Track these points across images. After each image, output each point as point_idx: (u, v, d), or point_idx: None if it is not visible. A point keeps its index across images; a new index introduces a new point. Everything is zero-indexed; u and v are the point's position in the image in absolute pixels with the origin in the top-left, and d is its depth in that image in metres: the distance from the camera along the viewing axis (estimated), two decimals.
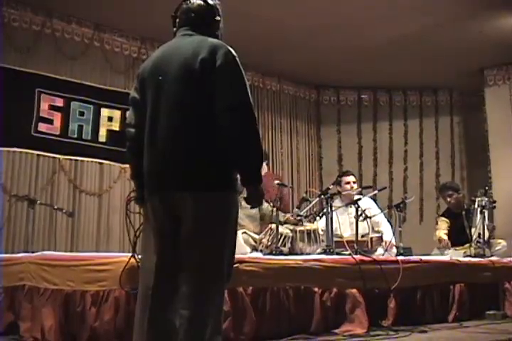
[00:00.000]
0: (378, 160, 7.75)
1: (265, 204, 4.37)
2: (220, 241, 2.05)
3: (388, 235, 4.62)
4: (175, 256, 2.08)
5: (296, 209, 4.09)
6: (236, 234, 2.15)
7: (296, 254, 3.78)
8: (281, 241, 3.82)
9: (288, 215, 4.26)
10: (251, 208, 2.21)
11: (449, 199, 5.30)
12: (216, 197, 2.04)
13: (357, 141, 7.77)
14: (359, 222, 4.04)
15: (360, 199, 4.31)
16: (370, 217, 4.23)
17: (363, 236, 4.32)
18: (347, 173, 4.93)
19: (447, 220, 5.19)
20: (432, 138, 7.87)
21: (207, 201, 2.04)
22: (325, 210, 3.91)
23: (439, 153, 7.81)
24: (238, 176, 2.10)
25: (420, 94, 7.95)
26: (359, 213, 4.05)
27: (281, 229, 3.90)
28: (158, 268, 2.11)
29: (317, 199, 4.09)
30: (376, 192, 4.48)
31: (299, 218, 3.99)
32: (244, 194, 2.12)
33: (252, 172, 2.04)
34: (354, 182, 4.85)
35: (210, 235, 2.03)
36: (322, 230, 4.06)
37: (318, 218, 4.04)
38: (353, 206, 4.12)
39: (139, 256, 2.48)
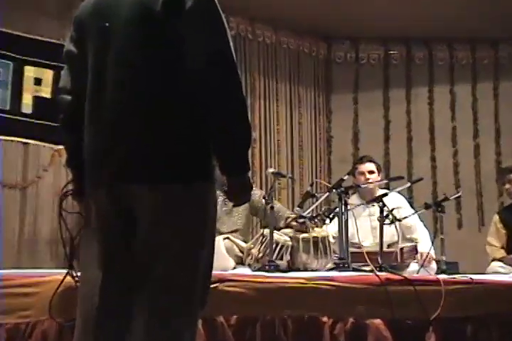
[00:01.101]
0: (414, 141, 7.61)
1: (256, 193, 4.39)
2: (191, 248, 2.04)
3: (425, 245, 4.63)
4: (127, 272, 2.07)
5: (298, 209, 4.12)
6: (214, 239, 2.15)
7: (298, 270, 3.83)
8: (277, 252, 3.87)
9: (291, 215, 4.34)
10: (234, 206, 2.19)
11: (508, 186, 5.39)
12: (186, 190, 2.05)
13: (382, 114, 7.61)
14: (384, 227, 4.07)
15: (386, 194, 4.31)
16: (399, 220, 4.22)
17: (389, 245, 4.47)
18: (362, 160, 5.00)
19: (502, 219, 5.30)
20: (489, 110, 7.72)
21: (173, 195, 2.04)
22: (337, 210, 3.95)
23: (500, 131, 7.66)
24: (217, 162, 2.11)
25: (473, 49, 7.81)
26: (384, 214, 4.05)
27: (277, 235, 3.93)
28: (104, 290, 2.09)
29: (326, 194, 4.11)
30: (408, 185, 4.47)
31: (301, 221, 4.04)
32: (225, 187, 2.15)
33: (237, 154, 2.06)
34: (372, 173, 4.92)
35: (178, 240, 2.03)
36: (334, 237, 4.17)
37: (328, 221, 4.06)
38: (376, 204, 4.17)
39: (78, 274, 2.46)
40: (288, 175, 4.81)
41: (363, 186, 4.66)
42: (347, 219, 3.97)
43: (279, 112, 7.34)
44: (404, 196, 5.06)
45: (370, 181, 4.85)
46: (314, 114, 7.66)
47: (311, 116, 7.61)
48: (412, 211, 4.84)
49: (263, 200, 4.24)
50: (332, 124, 7.60)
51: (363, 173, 4.96)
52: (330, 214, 4.12)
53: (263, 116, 7.14)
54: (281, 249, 3.92)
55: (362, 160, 5.10)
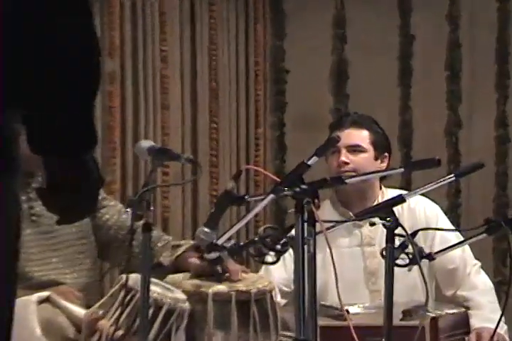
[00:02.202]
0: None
1: (110, 202, 3.16)
2: None
3: (487, 313, 3.13)
4: None
5: (206, 230, 2.63)
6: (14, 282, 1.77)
7: None
8: (157, 326, 2.72)
9: (187, 242, 3.11)
10: (58, 224, 1.81)
11: None
12: None
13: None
14: (399, 273, 2.67)
15: (399, 200, 2.65)
16: (430, 257, 2.63)
17: (407, 312, 2.86)
18: (342, 122, 3.31)
19: None
20: None
21: None
22: (293, 233, 2.54)
23: None
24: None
25: None
26: (397, 243, 2.58)
27: (157, 288, 2.74)
28: None
29: (269, 198, 2.62)
30: (450, 178, 2.65)
31: (211, 256, 2.66)
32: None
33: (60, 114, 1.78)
34: (358, 151, 3.25)
35: None
36: (283, 293, 3.24)
37: (270, 257, 2.70)
38: (377, 222, 2.65)
39: None
40: (184, 156, 2.93)
41: (348, 181, 2.76)
42: (314, 254, 2.51)
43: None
44: (438, 204, 3.14)
45: (347, 170, 2.96)
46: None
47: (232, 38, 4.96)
48: (457, 237, 3.02)
49: (125, 214, 2.99)
50: (285, 45, 5.06)
51: (337, 152, 3.18)
52: (277, 242, 2.65)
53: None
54: (166, 318, 2.68)
55: (341, 121, 3.33)
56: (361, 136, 3.32)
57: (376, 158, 3.32)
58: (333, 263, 2.57)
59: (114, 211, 3.06)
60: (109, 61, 4.10)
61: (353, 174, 3.12)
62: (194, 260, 2.77)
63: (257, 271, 3.19)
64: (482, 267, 3.36)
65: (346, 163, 3.21)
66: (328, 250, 2.56)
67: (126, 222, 2.90)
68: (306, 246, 2.44)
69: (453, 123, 4.84)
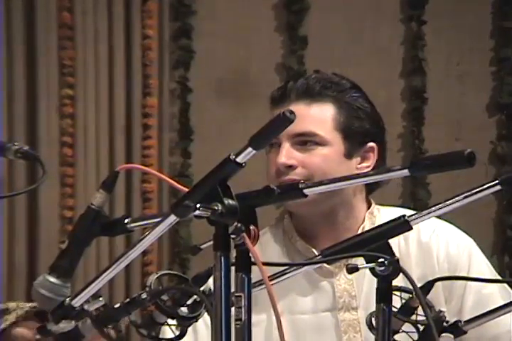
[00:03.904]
0: None
1: None
2: None
3: None
4: None
5: (52, 280, 2.04)
6: None
7: None
8: None
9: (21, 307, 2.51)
10: None
11: None
12: None
13: None
14: None
15: (402, 228, 1.94)
16: (460, 330, 2.00)
17: None
18: (284, 95, 2.68)
19: None
20: None
21: None
22: (210, 285, 1.95)
23: None
24: None
25: None
26: (401, 303, 2.00)
27: None
28: None
29: (168, 222, 1.98)
30: (493, 188, 1.95)
31: (62, 328, 1.92)
32: None
33: None
34: (313, 143, 2.64)
35: None
36: None
37: (169, 327, 2.03)
38: (362, 267, 1.93)
39: None
40: (14, 147, 2.26)
41: (309, 192, 2.01)
42: (249, 324, 1.82)
43: None
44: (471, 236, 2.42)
45: (292, 178, 2.45)
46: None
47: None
48: (505, 292, 2.32)
49: None
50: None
51: (275, 147, 2.47)
52: (181, 302, 1.92)
53: None
54: None
55: (285, 90, 2.52)
56: (318, 117, 2.39)
57: (349, 154, 2.38)
58: None
59: None
60: None
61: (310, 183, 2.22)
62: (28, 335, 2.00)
63: None
64: None
65: (290, 167, 2.36)
66: (274, 318, 1.75)
67: None
68: (233, 310, 1.70)
69: None
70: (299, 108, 2.33)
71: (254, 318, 1.71)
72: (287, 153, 2.31)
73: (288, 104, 2.36)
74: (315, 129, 2.33)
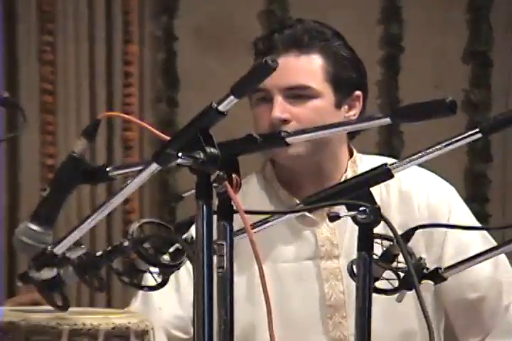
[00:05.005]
0: None
1: None
2: None
3: None
4: None
5: (33, 227, 2.07)
6: None
7: None
8: None
9: None
10: None
11: None
12: None
13: None
14: (392, 303, 2.13)
15: (383, 176, 1.92)
16: (440, 277, 2.04)
17: None
18: (270, 44, 2.59)
19: None
20: None
21: None
22: (192, 233, 1.96)
23: None
24: None
25: None
26: (379, 251, 1.98)
27: None
28: None
29: (149, 170, 2.02)
30: (474, 136, 1.96)
31: (44, 275, 1.95)
32: None
33: None
34: (306, 96, 2.53)
35: None
36: (178, 337, 2.61)
37: (151, 275, 2.05)
38: (344, 215, 1.88)
39: None
40: None
41: (291, 141, 2.01)
42: (231, 272, 1.82)
43: None
44: (451, 185, 2.51)
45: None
46: None
47: None
48: (485, 241, 2.42)
49: None
50: None
51: (266, 102, 2.46)
52: (163, 250, 1.93)
53: None
54: None
55: (271, 40, 2.49)
56: (308, 68, 2.36)
57: (338, 105, 2.37)
58: (265, 290, 1.76)
59: None
60: None
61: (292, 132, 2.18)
62: None
63: (126, 303, 2.45)
64: None
65: (285, 121, 2.33)
66: (256, 266, 1.75)
67: None
68: (215, 258, 1.71)
69: None
70: (289, 60, 2.34)
71: (236, 267, 1.70)
72: (281, 107, 2.32)
73: (276, 56, 2.32)
74: (307, 82, 2.33)
